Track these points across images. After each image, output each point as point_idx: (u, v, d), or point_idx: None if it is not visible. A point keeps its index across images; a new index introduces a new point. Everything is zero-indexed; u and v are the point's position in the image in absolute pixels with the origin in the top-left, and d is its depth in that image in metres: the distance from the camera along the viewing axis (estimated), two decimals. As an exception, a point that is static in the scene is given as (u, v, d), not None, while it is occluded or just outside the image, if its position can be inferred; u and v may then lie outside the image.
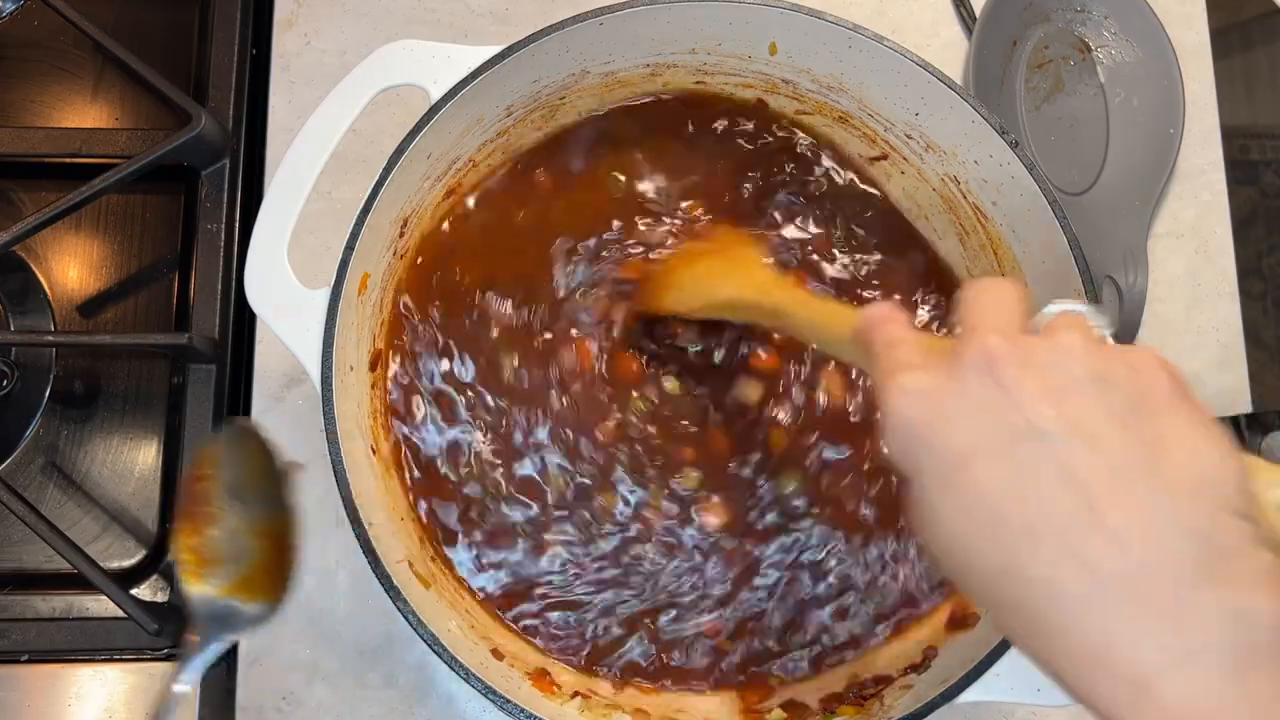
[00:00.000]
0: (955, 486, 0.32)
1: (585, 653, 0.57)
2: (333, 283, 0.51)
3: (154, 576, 0.64)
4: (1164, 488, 0.30)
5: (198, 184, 0.68)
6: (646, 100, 0.63)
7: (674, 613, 0.58)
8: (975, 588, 0.33)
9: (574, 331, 0.60)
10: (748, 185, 0.63)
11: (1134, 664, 0.29)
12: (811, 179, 0.63)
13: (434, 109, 0.53)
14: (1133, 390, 0.32)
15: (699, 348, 0.60)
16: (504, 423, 0.59)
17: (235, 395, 0.66)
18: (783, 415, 0.60)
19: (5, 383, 0.65)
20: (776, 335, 0.60)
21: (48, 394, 0.66)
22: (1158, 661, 0.28)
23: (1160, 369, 0.33)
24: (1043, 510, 0.31)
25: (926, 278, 0.63)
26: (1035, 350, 0.33)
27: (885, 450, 0.35)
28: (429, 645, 0.48)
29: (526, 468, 0.59)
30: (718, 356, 0.60)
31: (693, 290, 0.58)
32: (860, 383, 0.60)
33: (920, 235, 0.63)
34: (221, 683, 0.62)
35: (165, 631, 0.58)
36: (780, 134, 0.63)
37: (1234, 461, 0.31)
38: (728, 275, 0.57)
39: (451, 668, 0.48)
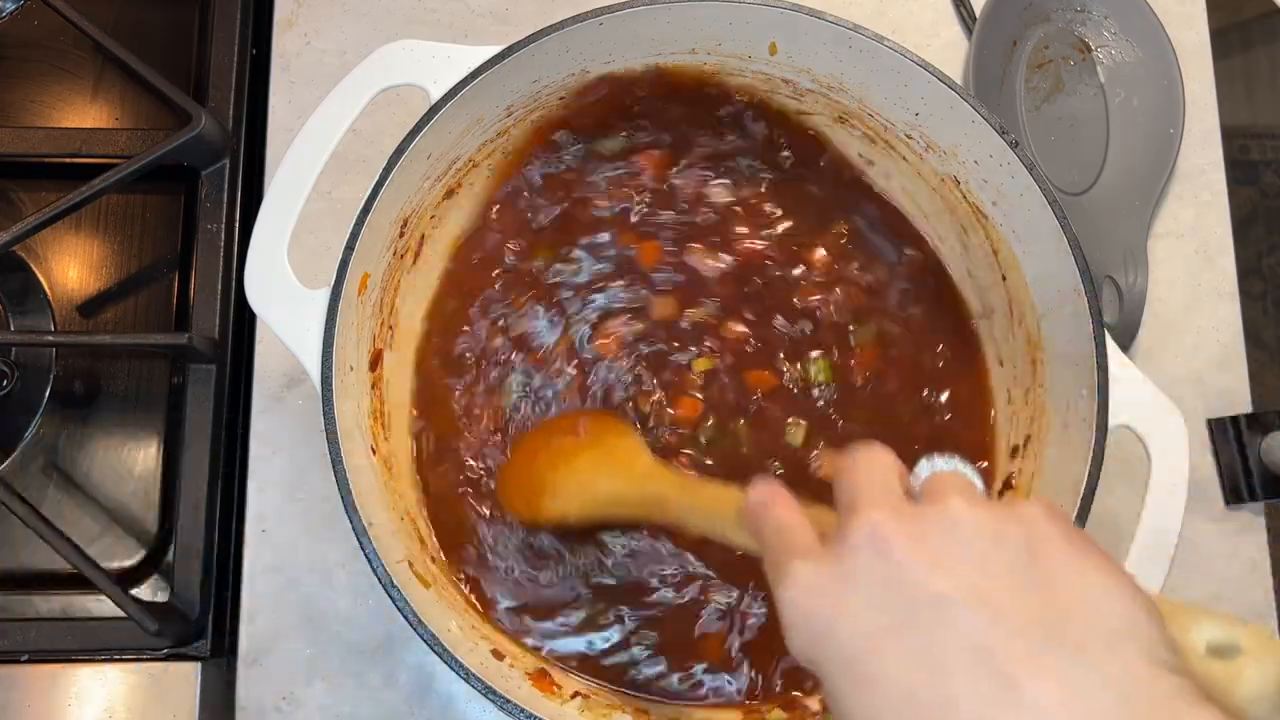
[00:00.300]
0: (865, 676, 0.30)
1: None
2: (333, 283, 0.51)
3: (154, 576, 0.64)
4: (1078, 647, 0.28)
5: (198, 184, 0.68)
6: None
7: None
8: None
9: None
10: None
11: None
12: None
13: (434, 109, 0.53)
14: (1026, 545, 0.31)
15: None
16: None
17: (235, 395, 0.66)
18: None
19: (5, 383, 0.65)
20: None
21: (48, 394, 0.66)
22: None
23: (1049, 520, 0.31)
24: (957, 688, 0.28)
25: (922, 276, 0.63)
26: (922, 519, 0.32)
27: (790, 650, 0.33)
28: (429, 645, 0.48)
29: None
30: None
31: (569, 490, 0.55)
32: None
33: (920, 234, 0.63)
34: (222, 683, 0.62)
35: (165, 631, 0.58)
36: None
37: (1146, 606, 0.30)
38: (606, 467, 0.54)
39: (451, 668, 0.48)
